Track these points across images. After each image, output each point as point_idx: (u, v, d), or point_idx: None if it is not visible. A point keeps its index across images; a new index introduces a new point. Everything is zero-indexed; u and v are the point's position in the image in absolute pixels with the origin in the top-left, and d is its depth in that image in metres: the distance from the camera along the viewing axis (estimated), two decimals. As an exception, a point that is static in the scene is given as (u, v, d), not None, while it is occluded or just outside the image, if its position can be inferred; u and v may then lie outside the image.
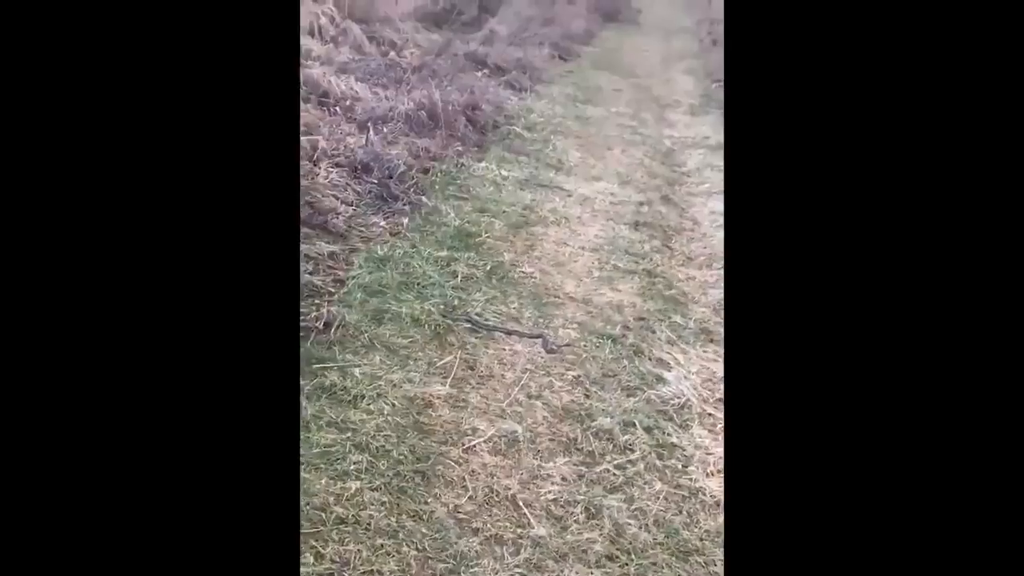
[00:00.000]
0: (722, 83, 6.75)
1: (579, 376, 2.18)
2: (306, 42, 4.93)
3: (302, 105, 3.66)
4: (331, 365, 2.01)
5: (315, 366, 1.99)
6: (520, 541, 1.56)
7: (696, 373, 2.29)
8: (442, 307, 2.40)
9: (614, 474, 1.80)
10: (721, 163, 4.51)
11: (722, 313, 2.69)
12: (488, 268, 2.73)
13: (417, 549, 1.50)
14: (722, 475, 1.86)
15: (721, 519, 1.71)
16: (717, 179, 4.23)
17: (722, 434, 2.01)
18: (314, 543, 1.46)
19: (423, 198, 3.24)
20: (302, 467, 1.63)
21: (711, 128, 5.38)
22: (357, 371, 2.01)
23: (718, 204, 3.83)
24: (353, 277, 2.50)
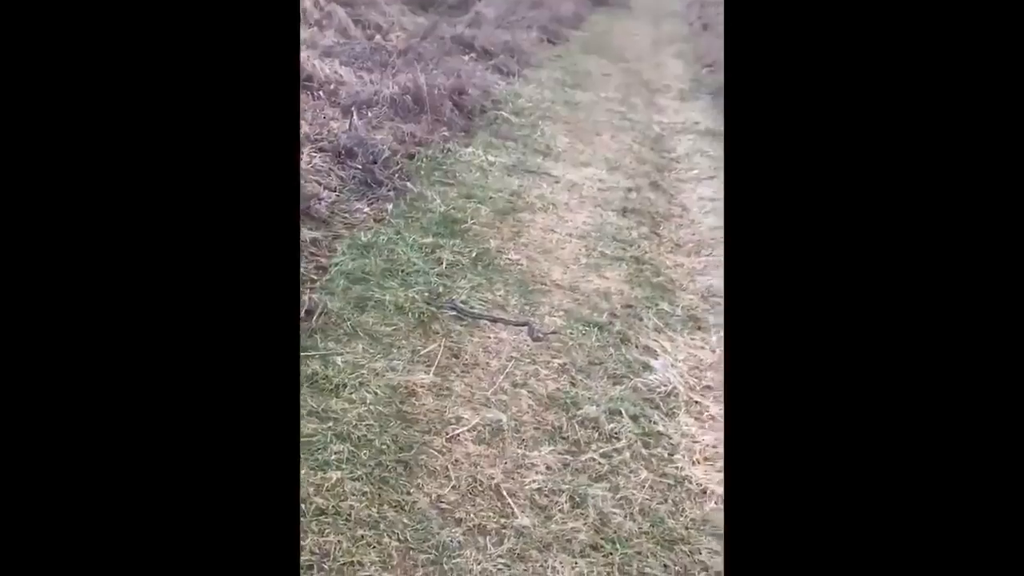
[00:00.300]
0: (712, 68, 6.71)
1: (565, 364, 2.16)
2: (290, 24, 4.84)
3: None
4: (313, 353, 1.98)
5: (296, 355, 1.96)
6: (504, 531, 1.55)
7: (683, 361, 2.27)
8: (426, 294, 2.37)
9: (599, 463, 1.78)
10: (710, 149, 4.48)
11: (709, 300, 2.68)
12: (474, 255, 2.70)
13: (399, 540, 1.48)
14: (708, 463, 1.84)
15: (707, 507, 1.70)
16: (706, 165, 4.21)
17: (708, 422, 2.00)
18: (293, 535, 1.43)
19: (408, 184, 3.19)
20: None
21: (700, 113, 5.34)
22: (339, 359, 1.98)
23: (707, 190, 3.81)
24: (336, 264, 2.46)
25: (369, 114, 3.76)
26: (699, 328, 2.48)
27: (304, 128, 3.28)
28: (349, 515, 1.50)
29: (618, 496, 1.69)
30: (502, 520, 1.57)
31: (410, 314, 2.25)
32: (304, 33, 4.92)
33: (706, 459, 1.86)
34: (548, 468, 1.74)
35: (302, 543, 1.42)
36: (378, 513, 1.52)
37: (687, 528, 1.64)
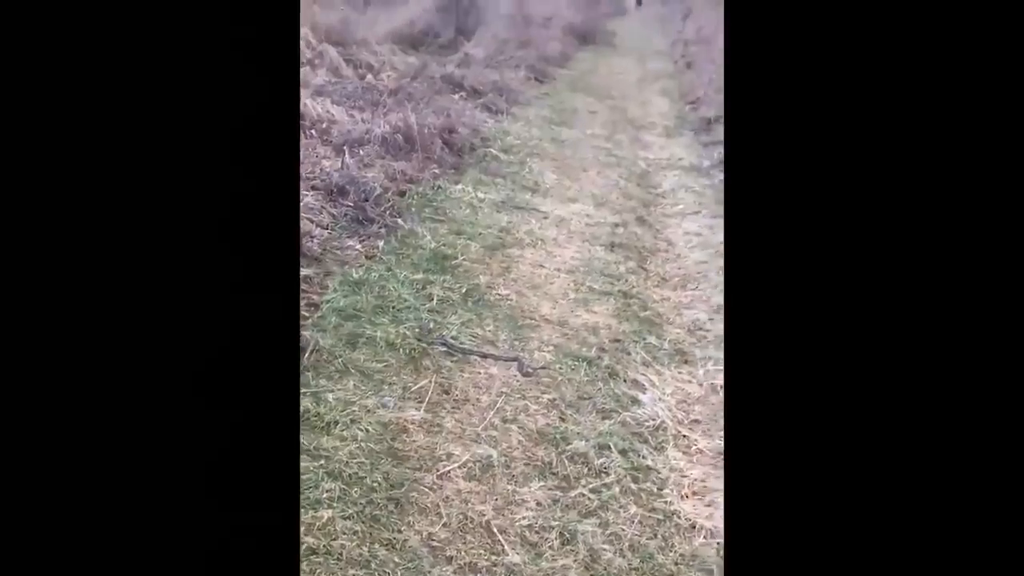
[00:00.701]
0: (695, 105, 6.87)
1: (554, 399, 2.18)
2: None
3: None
4: (304, 391, 1.99)
5: (288, 392, 1.97)
6: (495, 568, 1.55)
7: (671, 394, 2.30)
8: (417, 331, 2.39)
9: (589, 498, 1.80)
10: (695, 184, 4.58)
11: (696, 334, 2.72)
12: (464, 291, 2.73)
13: (390, 579, 1.48)
14: (697, 497, 1.86)
15: (696, 542, 1.72)
16: (691, 200, 4.29)
17: (696, 456, 2.02)
18: (284, 575, 1.43)
19: (399, 221, 3.24)
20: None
21: (685, 150, 5.46)
22: (331, 396, 1.99)
23: (692, 225, 3.89)
24: (328, 301, 2.49)
25: (361, 152, 3.82)
26: (686, 362, 2.52)
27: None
28: (340, 555, 1.51)
29: (608, 532, 1.70)
30: (493, 558, 1.58)
31: (401, 350, 2.27)
32: (296, 73, 5.02)
33: (695, 493, 1.88)
34: (538, 504, 1.76)
35: (293, 583, 1.42)
36: (369, 552, 1.53)
37: (676, 564, 1.65)
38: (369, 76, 5.47)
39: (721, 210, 4.09)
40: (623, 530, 1.71)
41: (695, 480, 1.92)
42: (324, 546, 1.52)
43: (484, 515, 1.69)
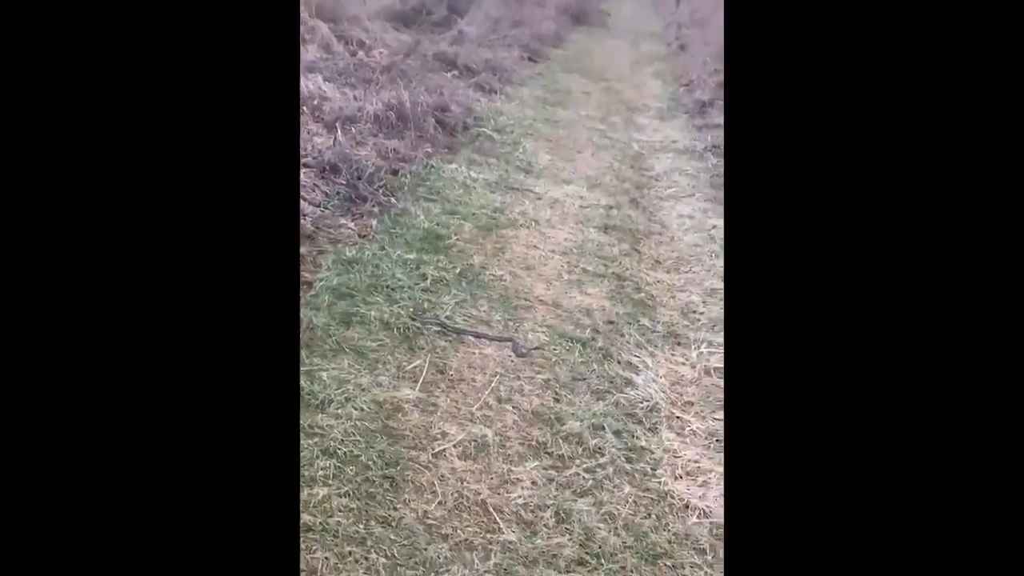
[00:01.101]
0: (689, 87, 6.84)
1: (549, 380, 2.18)
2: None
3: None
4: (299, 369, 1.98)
5: (281, 371, 1.96)
6: (490, 547, 1.56)
7: (664, 376, 2.31)
8: (411, 310, 2.38)
9: (583, 478, 1.81)
10: (688, 167, 4.57)
11: (689, 316, 2.73)
12: (458, 271, 2.72)
13: (386, 556, 1.48)
14: (690, 478, 1.88)
15: (689, 522, 1.73)
16: (685, 183, 4.29)
17: (689, 437, 2.04)
18: (280, 552, 1.43)
19: (392, 199, 3.22)
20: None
21: (679, 132, 5.44)
22: (325, 375, 1.99)
23: (685, 208, 3.89)
24: (321, 279, 2.47)
25: (353, 130, 3.78)
26: (679, 344, 2.53)
27: (288, 143, 3.29)
28: (336, 532, 1.51)
29: (602, 511, 1.71)
30: (488, 536, 1.59)
31: (395, 330, 2.26)
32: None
33: (688, 474, 1.89)
34: (533, 483, 1.76)
35: (289, 560, 1.42)
36: (365, 529, 1.53)
37: (670, 543, 1.66)
38: (361, 53, 5.39)
39: (714, 193, 4.10)
40: (617, 509, 1.72)
41: (688, 461, 1.93)
42: (320, 523, 1.52)
43: (479, 494, 1.70)
